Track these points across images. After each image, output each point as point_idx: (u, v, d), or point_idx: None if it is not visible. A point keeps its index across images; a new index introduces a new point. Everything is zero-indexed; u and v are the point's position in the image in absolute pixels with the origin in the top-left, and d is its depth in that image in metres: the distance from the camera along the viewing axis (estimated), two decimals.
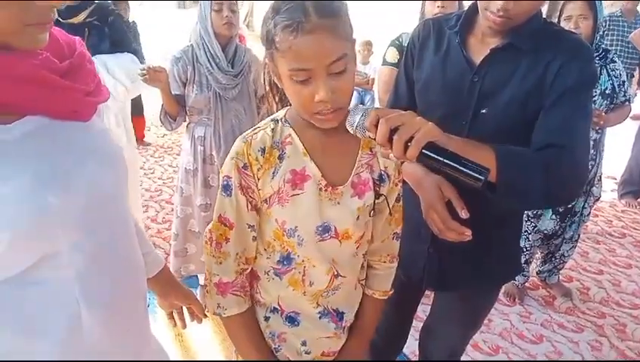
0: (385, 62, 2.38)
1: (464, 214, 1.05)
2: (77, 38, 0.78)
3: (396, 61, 2.26)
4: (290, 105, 0.95)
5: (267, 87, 0.98)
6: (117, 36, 2.10)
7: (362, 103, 5.70)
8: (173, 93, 2.14)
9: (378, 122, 0.78)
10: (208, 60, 2.09)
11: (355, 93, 5.79)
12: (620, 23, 4.14)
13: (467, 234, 1.06)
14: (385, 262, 1.10)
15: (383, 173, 1.00)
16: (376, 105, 3.65)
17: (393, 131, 0.77)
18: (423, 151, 0.76)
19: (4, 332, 0.67)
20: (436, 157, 0.77)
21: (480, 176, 0.75)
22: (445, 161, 0.76)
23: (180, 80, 2.14)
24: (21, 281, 0.66)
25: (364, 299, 1.11)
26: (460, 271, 1.27)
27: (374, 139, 0.80)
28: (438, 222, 1.09)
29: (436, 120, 0.93)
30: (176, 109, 2.17)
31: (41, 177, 0.63)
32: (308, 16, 0.77)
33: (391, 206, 1.03)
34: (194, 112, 2.19)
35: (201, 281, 2.51)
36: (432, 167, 0.79)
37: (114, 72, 2.01)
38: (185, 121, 2.26)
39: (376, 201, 0.99)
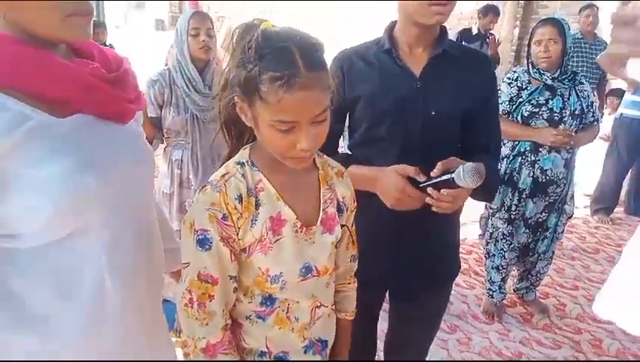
0: None
1: (421, 177, 1.12)
2: (125, 57, 0.93)
3: None
4: (247, 142, 0.95)
5: (223, 125, 0.95)
6: None
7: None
8: (149, 115, 2.13)
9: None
10: (185, 83, 2.09)
11: None
12: (582, 45, 4.30)
13: (441, 193, 1.09)
14: (350, 283, 1.13)
15: (341, 203, 1.01)
16: None
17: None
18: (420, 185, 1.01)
19: (42, 290, 0.79)
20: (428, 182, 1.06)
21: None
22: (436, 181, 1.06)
23: (156, 102, 2.14)
24: (58, 248, 0.78)
25: (338, 325, 1.11)
26: (415, 279, 1.34)
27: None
28: (415, 202, 1.12)
29: (386, 128, 1.24)
30: (152, 132, 2.16)
31: (82, 163, 0.76)
32: (298, 69, 0.76)
33: (351, 233, 1.05)
34: (171, 135, 2.18)
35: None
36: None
37: None
38: (162, 143, 2.25)
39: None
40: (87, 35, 0.78)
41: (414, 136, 1.23)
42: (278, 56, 0.77)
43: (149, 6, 8.97)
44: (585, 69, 4.20)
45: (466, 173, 1.01)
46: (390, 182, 1.14)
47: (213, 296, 0.88)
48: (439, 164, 1.09)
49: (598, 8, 4.39)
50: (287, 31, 0.83)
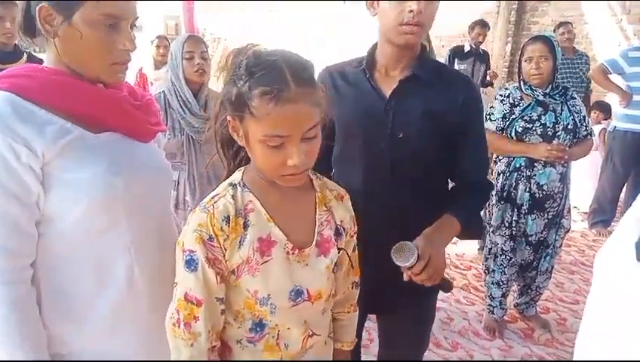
0: None
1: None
2: (148, 92, 1.12)
3: None
4: (242, 162, 0.95)
5: (219, 146, 0.97)
6: None
7: None
8: None
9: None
10: (180, 105, 2.11)
11: None
12: (564, 60, 4.36)
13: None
14: (349, 311, 1.11)
15: (339, 227, 1.01)
16: None
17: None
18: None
19: (83, 277, 0.94)
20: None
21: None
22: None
23: None
24: (93, 242, 0.94)
25: (334, 354, 1.09)
26: (396, 292, 1.28)
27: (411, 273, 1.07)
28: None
29: (357, 147, 1.24)
30: None
31: (111, 169, 0.93)
32: (287, 84, 0.78)
33: (350, 257, 1.04)
34: (167, 157, 2.17)
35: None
36: None
37: None
38: None
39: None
40: (121, 79, 0.99)
41: (381, 158, 1.23)
42: (268, 72, 0.79)
43: (146, 28, 9.07)
44: (571, 83, 4.27)
45: (395, 258, 1.06)
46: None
47: (198, 317, 0.88)
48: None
49: (572, 24, 4.62)
50: (277, 50, 0.85)
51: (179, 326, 0.89)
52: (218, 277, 0.88)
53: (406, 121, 1.21)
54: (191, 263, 0.87)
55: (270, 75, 0.79)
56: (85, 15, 0.88)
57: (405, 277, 1.09)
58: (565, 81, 4.26)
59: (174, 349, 0.91)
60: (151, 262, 1.00)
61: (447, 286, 1.21)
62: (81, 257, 0.94)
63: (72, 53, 0.91)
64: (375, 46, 1.29)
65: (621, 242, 0.69)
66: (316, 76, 0.91)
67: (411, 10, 1.12)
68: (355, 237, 1.06)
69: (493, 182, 2.43)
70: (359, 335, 1.49)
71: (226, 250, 0.87)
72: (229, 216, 0.87)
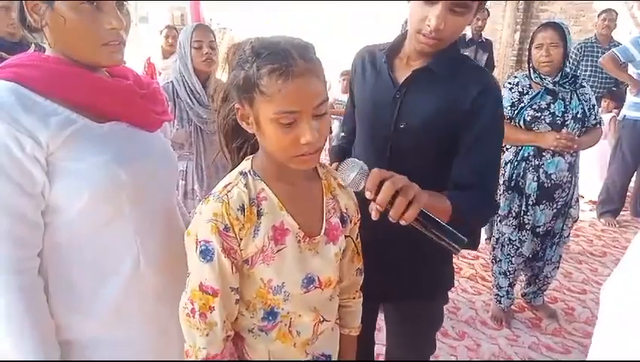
0: None
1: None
2: (156, 80, 1.11)
3: None
4: (246, 155, 0.95)
5: (222, 138, 0.97)
6: None
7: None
8: None
9: (379, 183, 0.84)
10: (188, 96, 2.12)
11: (336, 121, 5.88)
12: (595, 49, 4.32)
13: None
14: (355, 298, 1.12)
15: (344, 214, 1.01)
16: None
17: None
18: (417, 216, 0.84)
19: (89, 267, 0.94)
20: (426, 223, 0.85)
21: (456, 248, 0.86)
22: (432, 228, 0.86)
23: None
24: (99, 234, 0.94)
25: (341, 340, 1.10)
26: (396, 282, 1.29)
27: (372, 199, 0.84)
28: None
29: (365, 132, 1.19)
30: None
31: (115, 159, 0.92)
32: (294, 60, 0.79)
33: (355, 244, 1.05)
34: (175, 147, 2.18)
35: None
36: (416, 227, 0.86)
37: None
38: None
39: None
40: (118, 61, 0.95)
41: (381, 146, 1.21)
42: (274, 52, 0.80)
43: (152, 19, 9.04)
44: (593, 72, 4.21)
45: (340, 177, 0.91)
46: None
47: (213, 307, 0.88)
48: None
49: (616, 13, 4.40)
50: (279, 35, 0.86)
51: (193, 316, 0.88)
52: (234, 267, 0.88)
53: (411, 112, 1.18)
54: (206, 253, 0.86)
55: (277, 54, 0.80)
56: None
57: (373, 215, 0.88)
58: (590, 69, 4.20)
59: (189, 339, 0.90)
60: (157, 251, 1.00)
61: (454, 238, 0.86)
62: (86, 247, 0.94)
63: (61, 40, 0.90)
64: (405, 34, 1.23)
65: (628, 274, 0.69)
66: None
67: (429, 25, 1.07)
68: (358, 225, 1.06)
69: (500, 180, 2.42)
70: (372, 327, 1.51)
71: (241, 239, 0.87)
72: (243, 205, 0.87)
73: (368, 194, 0.84)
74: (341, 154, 1.43)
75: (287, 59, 0.79)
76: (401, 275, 1.28)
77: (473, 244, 1.38)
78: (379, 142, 1.23)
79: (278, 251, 0.90)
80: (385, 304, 1.48)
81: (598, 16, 4.45)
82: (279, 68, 0.78)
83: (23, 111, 0.84)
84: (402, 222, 0.84)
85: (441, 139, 1.17)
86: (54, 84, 0.89)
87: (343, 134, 1.51)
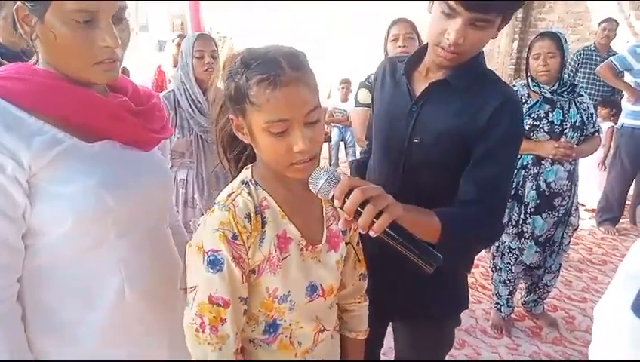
0: (358, 104, 2.44)
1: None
2: (157, 93, 1.06)
3: (369, 101, 2.33)
4: (245, 165, 0.96)
5: (220, 149, 0.97)
6: None
7: (343, 140, 5.79)
8: None
9: (348, 191, 0.79)
10: (189, 105, 2.13)
11: (335, 130, 5.89)
12: (593, 57, 4.34)
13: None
14: (360, 302, 1.12)
15: None
16: (357, 142, 3.71)
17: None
18: (386, 228, 0.78)
19: (69, 299, 0.90)
20: (396, 236, 0.79)
21: (430, 265, 0.79)
22: (404, 242, 0.79)
23: None
24: (81, 260, 0.89)
25: (347, 344, 1.11)
26: (406, 301, 1.26)
27: (339, 207, 0.81)
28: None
29: (380, 144, 1.12)
30: None
31: (103, 183, 0.87)
32: (282, 69, 0.80)
33: (356, 250, 1.05)
34: (176, 156, 2.20)
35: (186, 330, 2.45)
36: (387, 242, 0.80)
37: None
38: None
39: None
40: (112, 78, 0.90)
41: (395, 160, 1.18)
42: (263, 62, 0.81)
43: (152, 27, 9.07)
44: (591, 80, 4.22)
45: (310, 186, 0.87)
46: None
47: (225, 319, 0.85)
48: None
49: (617, 23, 4.44)
50: (270, 45, 0.87)
51: (203, 331, 0.85)
52: (243, 276, 0.86)
53: (425, 126, 1.14)
54: (215, 263, 0.84)
55: (265, 63, 0.81)
56: (56, 12, 0.80)
57: (340, 224, 0.87)
58: (587, 77, 4.21)
59: (199, 355, 0.86)
60: (142, 277, 0.95)
61: (427, 255, 0.79)
62: (68, 271, 0.89)
63: (52, 54, 0.86)
64: (426, 46, 1.18)
65: (618, 295, 0.70)
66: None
67: (448, 38, 1.04)
68: (358, 231, 1.06)
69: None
70: (380, 345, 1.49)
71: (249, 248, 0.86)
72: (249, 213, 0.86)
73: (336, 203, 0.81)
74: (362, 168, 1.40)
75: (275, 69, 0.80)
76: (411, 294, 1.24)
77: (466, 267, 1.32)
78: (393, 156, 1.19)
79: (283, 259, 0.90)
80: (394, 323, 1.46)
81: (599, 24, 4.48)
82: (267, 78, 0.79)
83: (5, 131, 0.79)
84: (372, 233, 0.79)
85: (455, 155, 1.11)
86: (42, 100, 0.83)
87: (365, 148, 1.49)
